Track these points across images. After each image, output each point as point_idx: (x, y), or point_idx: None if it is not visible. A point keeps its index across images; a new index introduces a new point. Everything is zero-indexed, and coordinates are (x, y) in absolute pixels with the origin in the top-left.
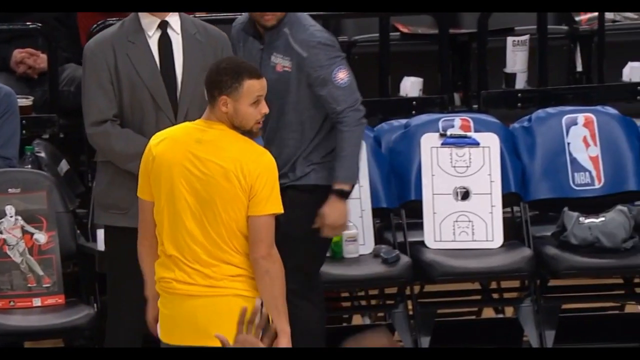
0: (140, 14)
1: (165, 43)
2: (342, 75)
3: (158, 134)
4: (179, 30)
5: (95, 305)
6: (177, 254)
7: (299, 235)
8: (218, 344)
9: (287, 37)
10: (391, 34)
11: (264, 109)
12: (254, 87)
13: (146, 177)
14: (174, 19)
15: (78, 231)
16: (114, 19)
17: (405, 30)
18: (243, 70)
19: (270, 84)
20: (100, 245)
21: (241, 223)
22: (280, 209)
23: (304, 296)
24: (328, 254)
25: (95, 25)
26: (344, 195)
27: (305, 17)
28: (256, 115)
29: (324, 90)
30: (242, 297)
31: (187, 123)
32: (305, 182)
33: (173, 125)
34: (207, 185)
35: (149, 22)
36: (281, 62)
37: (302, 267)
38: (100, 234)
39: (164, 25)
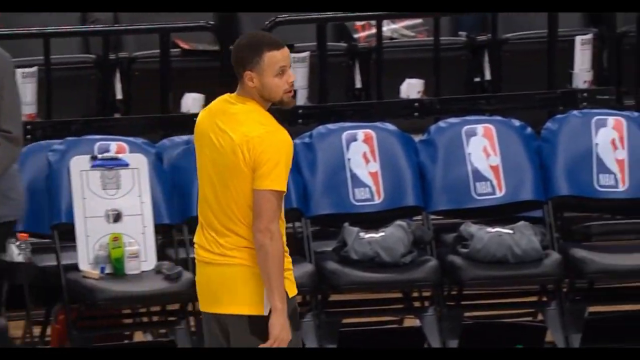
0: None
1: None
2: None
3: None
4: None
5: None
6: (202, 220)
7: None
8: (229, 312)
9: None
10: (172, 50)
11: (291, 78)
12: (275, 57)
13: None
14: None
15: None
16: None
17: (185, 46)
18: (262, 42)
19: None
20: None
21: (248, 196)
22: (282, 187)
23: None
24: (110, 271)
25: None
26: None
27: None
28: (283, 85)
29: None
30: (248, 267)
31: (226, 95)
32: None
33: None
34: (221, 157)
35: None
36: None
37: None
38: None
39: None
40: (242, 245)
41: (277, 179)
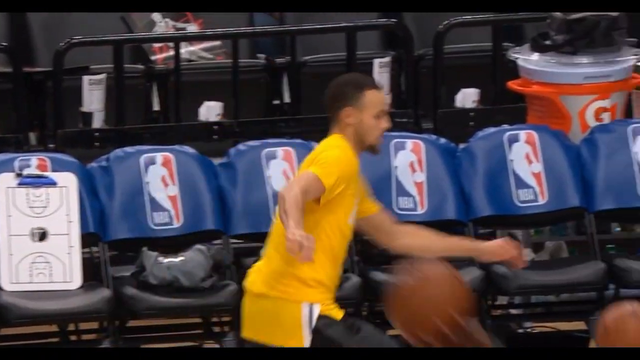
0: None
1: None
2: None
3: None
4: None
5: None
6: None
7: None
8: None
9: None
10: None
11: (385, 123)
12: (377, 97)
13: None
14: None
15: None
16: None
17: None
18: (365, 80)
19: None
20: None
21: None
22: (325, 181)
23: None
24: None
25: None
26: None
27: None
28: (379, 128)
29: None
30: (256, 297)
31: None
32: None
33: None
34: None
35: None
36: None
37: None
38: None
39: None
40: (269, 273)
41: (326, 172)
